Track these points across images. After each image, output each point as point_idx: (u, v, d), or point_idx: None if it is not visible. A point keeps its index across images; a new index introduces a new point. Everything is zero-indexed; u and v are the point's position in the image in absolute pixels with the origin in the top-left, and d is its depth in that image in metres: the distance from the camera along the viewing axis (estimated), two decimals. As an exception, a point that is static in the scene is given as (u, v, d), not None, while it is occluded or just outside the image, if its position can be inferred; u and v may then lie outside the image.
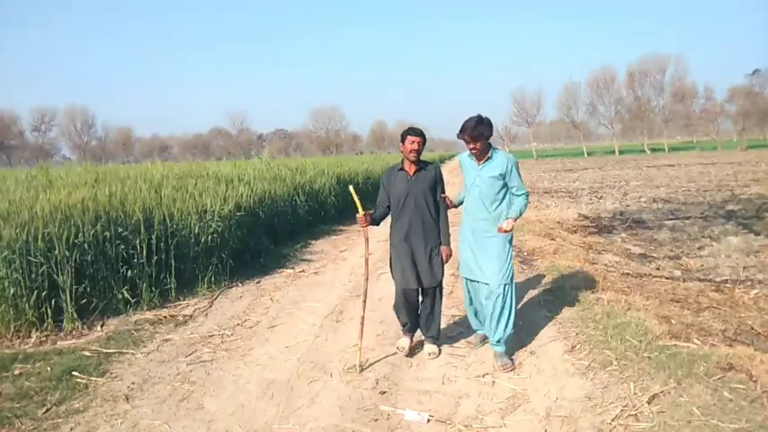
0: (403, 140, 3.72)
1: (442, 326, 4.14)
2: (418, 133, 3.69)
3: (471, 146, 3.60)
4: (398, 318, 3.97)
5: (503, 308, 3.62)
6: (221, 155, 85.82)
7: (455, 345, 4.15)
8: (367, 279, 3.72)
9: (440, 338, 4.04)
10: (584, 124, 73.70)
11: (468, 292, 3.97)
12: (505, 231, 3.61)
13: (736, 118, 64.04)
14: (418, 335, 4.08)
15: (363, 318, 3.76)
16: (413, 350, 3.97)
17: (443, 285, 3.96)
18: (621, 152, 64.60)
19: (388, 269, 3.96)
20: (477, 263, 3.71)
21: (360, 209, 3.61)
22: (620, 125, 70.49)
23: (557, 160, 54.16)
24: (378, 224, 3.80)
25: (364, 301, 3.74)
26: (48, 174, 8.58)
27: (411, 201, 3.69)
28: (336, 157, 43.42)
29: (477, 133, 3.52)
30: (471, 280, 3.85)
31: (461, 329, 4.46)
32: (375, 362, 3.87)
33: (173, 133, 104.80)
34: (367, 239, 3.70)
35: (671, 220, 10.35)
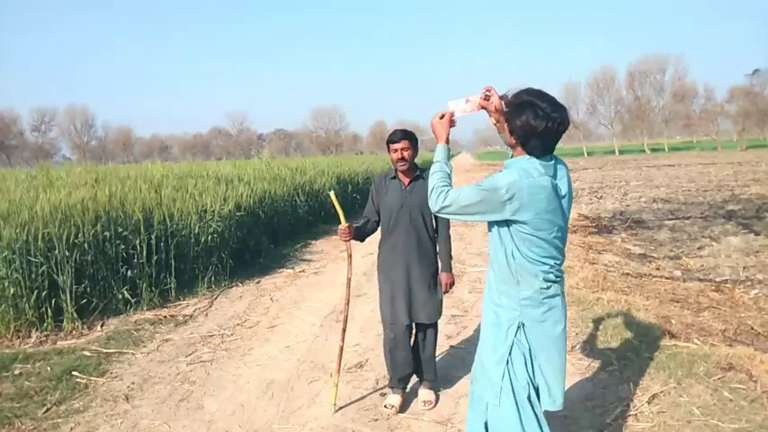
0: (388, 149, 3.12)
1: (440, 322, 4.06)
2: (400, 137, 3.06)
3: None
4: (389, 369, 3.23)
5: None
6: (221, 155, 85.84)
7: (455, 344, 4.15)
8: (347, 303, 3.15)
9: (437, 380, 3.33)
10: (585, 124, 73.69)
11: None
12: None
13: (736, 118, 63.99)
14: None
15: (342, 348, 3.18)
16: (404, 406, 3.21)
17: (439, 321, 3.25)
18: (621, 152, 64.56)
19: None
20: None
21: (342, 219, 2.98)
22: (620, 125, 70.49)
23: (557, 160, 54.03)
24: (362, 240, 3.17)
25: (343, 330, 3.16)
26: (48, 174, 8.59)
27: (405, 215, 3.06)
28: (336, 157, 43.48)
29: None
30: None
31: (460, 329, 4.46)
32: (375, 362, 3.87)
33: (173, 133, 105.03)
34: (350, 256, 3.10)
35: (671, 220, 10.35)
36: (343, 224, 2.96)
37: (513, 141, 1.98)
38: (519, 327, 1.96)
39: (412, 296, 3.07)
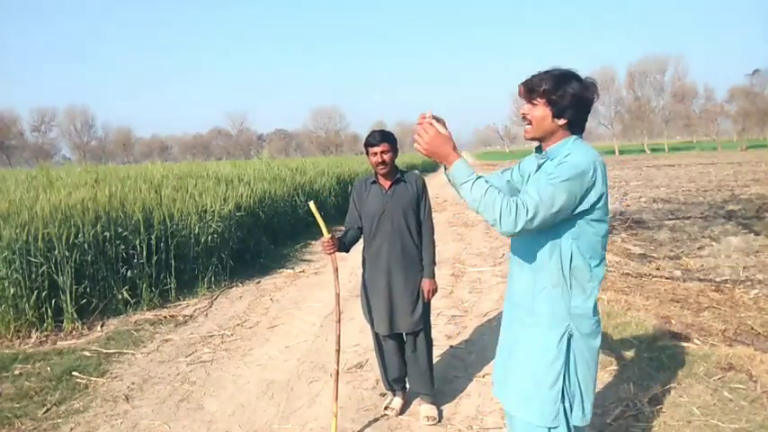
0: (366, 152, 2.98)
1: (440, 322, 4.09)
2: (379, 140, 2.90)
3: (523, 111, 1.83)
4: (381, 372, 3.17)
5: None
6: (221, 155, 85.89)
7: (455, 345, 4.15)
8: (339, 321, 2.85)
9: (436, 395, 3.17)
10: (585, 124, 73.67)
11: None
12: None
13: (736, 118, 64.08)
14: None
15: (338, 373, 2.86)
16: (404, 408, 3.15)
17: (431, 326, 3.11)
18: (621, 152, 64.58)
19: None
20: (504, 370, 1.92)
21: (324, 231, 2.78)
22: (620, 125, 70.57)
23: (557, 160, 53.96)
24: (347, 251, 3.01)
25: (337, 351, 2.86)
26: (48, 174, 8.58)
27: (387, 222, 2.92)
28: (336, 157, 43.48)
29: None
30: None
31: (460, 330, 4.46)
32: (375, 362, 3.86)
33: (173, 133, 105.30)
34: (336, 269, 2.85)
35: (671, 220, 10.34)
36: (326, 236, 2.78)
37: (554, 125, 1.69)
38: (568, 339, 1.74)
39: (393, 306, 2.92)
